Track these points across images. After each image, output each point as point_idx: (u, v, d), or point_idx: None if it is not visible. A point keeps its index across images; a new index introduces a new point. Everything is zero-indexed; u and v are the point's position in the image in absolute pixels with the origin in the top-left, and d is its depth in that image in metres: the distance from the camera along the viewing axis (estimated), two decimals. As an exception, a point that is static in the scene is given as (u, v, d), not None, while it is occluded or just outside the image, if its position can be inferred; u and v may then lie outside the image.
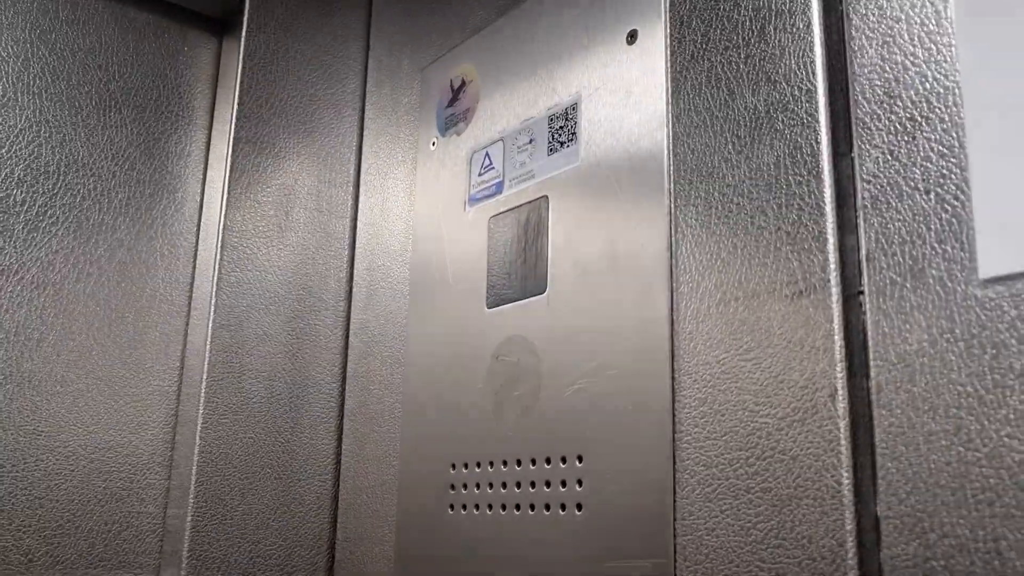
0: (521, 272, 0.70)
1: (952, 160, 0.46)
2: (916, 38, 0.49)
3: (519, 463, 0.67)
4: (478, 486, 0.70)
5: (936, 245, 0.46)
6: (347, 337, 0.91)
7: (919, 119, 0.48)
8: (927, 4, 0.49)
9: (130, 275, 0.86)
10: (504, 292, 0.71)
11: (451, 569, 0.71)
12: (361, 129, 0.96)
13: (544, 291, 0.68)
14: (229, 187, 0.87)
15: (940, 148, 0.47)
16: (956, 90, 0.47)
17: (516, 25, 0.76)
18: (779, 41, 0.55)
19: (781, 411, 0.51)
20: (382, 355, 0.85)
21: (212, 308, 0.84)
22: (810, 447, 0.49)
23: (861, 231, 0.50)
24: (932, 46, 0.48)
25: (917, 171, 0.48)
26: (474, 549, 0.69)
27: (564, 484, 0.63)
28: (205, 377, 0.83)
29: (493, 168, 0.75)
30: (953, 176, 0.46)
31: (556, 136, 0.70)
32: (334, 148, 0.94)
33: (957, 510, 0.43)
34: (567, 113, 0.69)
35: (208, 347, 0.83)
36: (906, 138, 0.48)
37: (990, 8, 0.46)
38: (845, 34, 0.53)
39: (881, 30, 0.51)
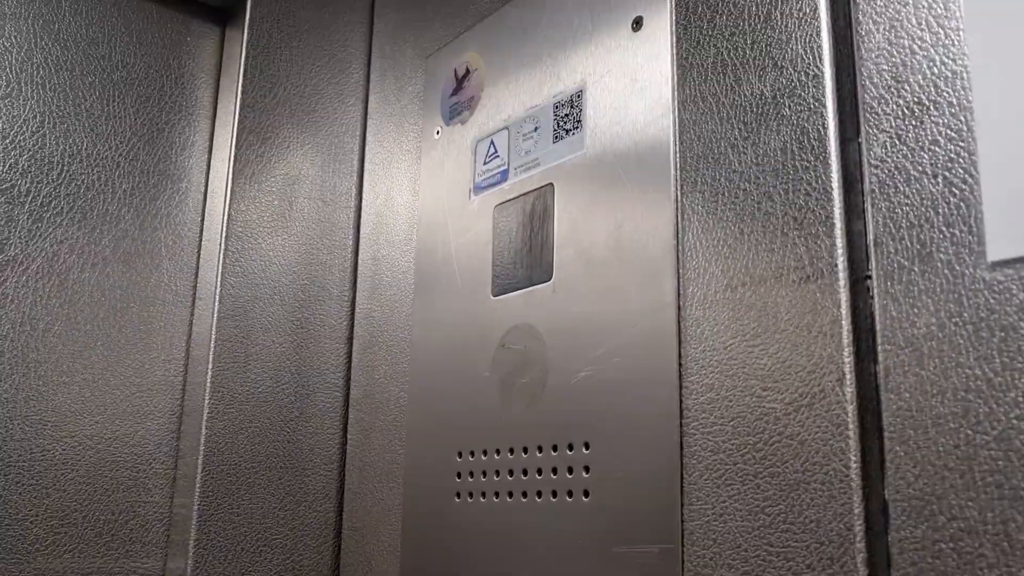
0: (527, 260, 0.70)
1: (960, 144, 0.46)
2: (923, 22, 0.49)
3: (526, 450, 0.67)
4: (484, 474, 0.70)
5: (944, 229, 0.46)
6: (352, 327, 0.91)
7: (927, 103, 0.48)
8: (935, -12, 0.49)
9: (135, 265, 0.86)
10: (510, 280, 0.71)
11: (458, 557, 0.71)
12: (365, 118, 0.96)
13: (550, 279, 0.68)
14: (233, 177, 0.87)
15: (948, 132, 0.47)
16: (964, 74, 0.47)
17: (520, 13, 0.76)
18: (785, 26, 0.55)
19: (789, 396, 0.51)
20: (387, 344, 0.86)
21: (217, 298, 0.84)
22: (818, 432, 0.49)
23: (869, 216, 0.50)
24: (940, 30, 0.48)
25: (925, 155, 0.48)
26: (481, 537, 0.69)
27: (571, 471, 0.63)
28: (211, 367, 0.83)
29: (498, 156, 0.75)
30: (961, 160, 0.46)
31: (561, 124, 0.70)
32: (338, 138, 0.94)
33: (965, 493, 0.43)
34: (572, 100, 0.69)
35: (213, 337, 0.83)
36: (914, 122, 0.48)
37: (998, -9, 0.46)
38: (852, 18, 0.53)
39: (888, 14, 0.51)
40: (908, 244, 0.47)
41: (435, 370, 0.77)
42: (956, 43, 0.47)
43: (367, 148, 0.95)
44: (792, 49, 0.55)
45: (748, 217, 0.56)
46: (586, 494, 0.62)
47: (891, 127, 0.49)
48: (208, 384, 0.83)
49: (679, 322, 0.58)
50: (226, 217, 0.86)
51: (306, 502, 0.86)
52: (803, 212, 0.53)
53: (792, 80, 0.54)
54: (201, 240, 0.91)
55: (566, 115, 0.70)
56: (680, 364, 0.58)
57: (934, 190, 0.47)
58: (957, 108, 0.47)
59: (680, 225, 0.60)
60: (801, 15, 0.55)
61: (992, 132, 0.45)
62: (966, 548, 0.43)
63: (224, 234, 0.86)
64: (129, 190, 0.87)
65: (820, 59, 0.53)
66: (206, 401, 0.82)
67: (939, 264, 0.46)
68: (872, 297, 0.49)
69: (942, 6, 0.48)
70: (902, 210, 0.48)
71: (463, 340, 0.75)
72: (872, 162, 0.50)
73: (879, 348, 0.48)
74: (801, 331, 0.51)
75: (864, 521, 0.47)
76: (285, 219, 0.90)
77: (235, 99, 0.89)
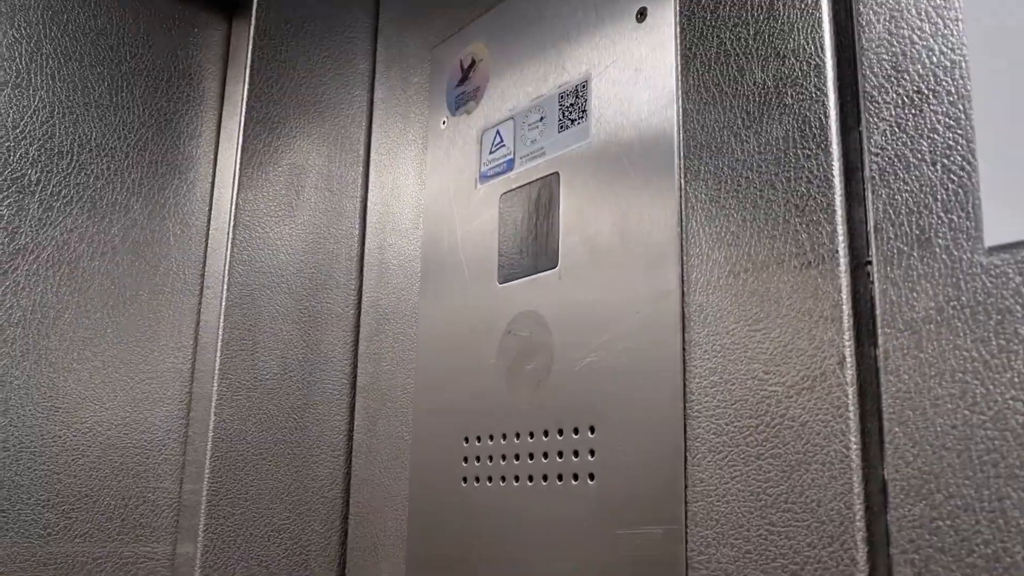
0: (532, 248, 0.71)
1: (959, 132, 0.47)
2: (923, 12, 0.50)
3: (531, 435, 0.68)
4: (491, 458, 0.71)
5: (943, 215, 0.47)
6: (359, 315, 0.92)
7: (926, 92, 0.49)
8: (934, -21, 0.50)
9: (144, 254, 0.88)
10: (515, 268, 0.72)
11: (465, 540, 0.72)
12: (371, 109, 0.97)
13: (555, 266, 0.69)
14: (241, 167, 0.88)
15: (947, 120, 0.48)
16: (963, 63, 0.48)
17: (526, 4, 0.77)
18: (788, 17, 0.56)
19: (790, 379, 0.52)
20: (394, 332, 0.87)
21: (225, 286, 0.85)
22: (819, 414, 0.51)
23: (869, 202, 0.51)
24: (939, 20, 0.49)
25: (924, 143, 0.49)
26: (487, 520, 0.70)
27: (576, 454, 0.64)
28: (219, 354, 0.84)
29: (504, 146, 0.76)
30: (959, 147, 0.47)
31: (567, 113, 0.71)
32: (344, 128, 0.95)
33: (963, 471, 0.44)
34: (577, 91, 0.70)
35: (222, 324, 0.84)
36: (913, 111, 0.49)
37: (996, -18, 0.47)
38: (853, 9, 0.54)
39: (888, 5, 0.52)
40: (907, 230, 0.49)
41: (441, 357, 0.79)
42: (955, 33, 0.48)
43: (373, 138, 0.96)
44: (794, 39, 0.56)
45: (750, 205, 0.57)
46: (591, 477, 0.63)
47: (891, 115, 0.50)
48: (216, 371, 0.84)
49: (683, 308, 0.60)
50: (234, 206, 0.87)
51: (313, 488, 0.87)
52: (804, 199, 0.54)
53: (794, 70, 0.55)
54: (209, 229, 0.92)
55: (571, 105, 0.71)
56: (684, 349, 0.59)
57: (933, 177, 0.48)
58: (956, 97, 0.48)
59: (684, 213, 0.61)
60: (803, 6, 0.56)
61: (990, 120, 0.46)
62: (963, 525, 0.44)
63: (232, 223, 0.87)
64: (138, 180, 0.88)
65: (822, 49, 0.54)
66: (215, 388, 0.84)
67: (938, 249, 0.47)
68: (872, 282, 0.50)
69: (941, -3, 0.49)
70: (902, 196, 0.49)
71: (469, 327, 0.76)
72: (872, 150, 0.51)
73: (879, 331, 0.49)
74: (802, 315, 0.52)
75: (864, 500, 0.48)
76: (292, 208, 0.91)
77: (242, 90, 0.90)
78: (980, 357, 0.45)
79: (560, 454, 0.65)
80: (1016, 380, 0.43)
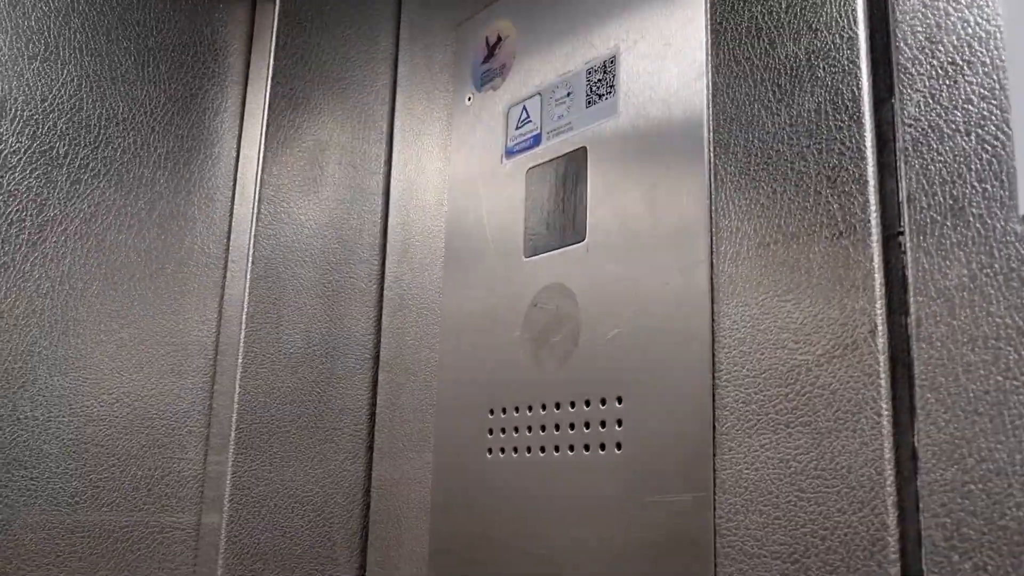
0: (560, 222, 0.72)
1: (993, 102, 0.48)
2: (959, -16, 0.50)
3: (558, 406, 0.69)
4: (516, 430, 0.72)
5: (976, 184, 0.48)
6: (381, 290, 0.93)
7: (960, 63, 0.50)
8: (970, -49, 0.50)
9: (169, 228, 0.88)
10: (542, 241, 0.73)
11: (490, 510, 0.73)
12: (394, 86, 0.98)
13: (583, 239, 0.69)
14: (266, 142, 0.89)
15: (981, 91, 0.48)
16: (997, 34, 0.48)
17: (552, -19, 0.78)
18: (821, -10, 0.57)
19: (821, 348, 0.53)
20: (417, 307, 0.87)
21: (250, 260, 0.86)
22: (850, 381, 0.51)
23: (902, 173, 0.51)
24: (975, -8, 0.50)
25: (958, 113, 0.49)
26: (513, 490, 0.71)
27: (604, 425, 0.65)
28: (243, 327, 0.85)
29: (531, 121, 0.77)
30: (994, 117, 0.48)
31: (594, 89, 0.71)
32: (367, 105, 0.96)
33: (995, 436, 0.45)
34: (605, 66, 0.71)
35: (246, 298, 0.85)
36: (947, 82, 0.50)
37: (1033, -46, 0.47)
38: (887, -18, 0.54)
39: (923, -23, 0.52)
40: (941, 199, 0.49)
41: (467, 331, 0.79)
42: (990, 4, 0.49)
43: (396, 115, 0.96)
44: (827, 12, 0.56)
45: (781, 177, 0.57)
46: (619, 447, 0.64)
47: (925, 87, 0.51)
48: (241, 344, 0.85)
49: (712, 279, 0.60)
50: (258, 181, 0.88)
51: (336, 461, 0.88)
52: (836, 171, 0.54)
53: (827, 42, 0.56)
54: (233, 204, 0.92)
55: (599, 80, 0.71)
56: (713, 319, 0.60)
57: (967, 147, 0.48)
58: (990, 67, 0.48)
59: (713, 186, 0.61)
60: (836, -21, 0.56)
61: (1025, 90, 0.47)
62: (995, 489, 0.45)
63: (256, 198, 0.87)
64: (163, 154, 0.89)
65: (855, 21, 0.55)
66: (239, 361, 0.84)
67: (971, 218, 0.48)
68: (904, 252, 0.50)
69: (977, -31, 0.50)
70: (935, 167, 0.50)
71: (495, 301, 0.77)
72: (906, 121, 0.51)
73: (911, 300, 0.50)
74: (834, 285, 0.53)
75: (894, 466, 0.49)
76: (316, 184, 0.91)
77: (267, 66, 0.91)
78: (1013, 323, 0.45)
79: (587, 425, 0.66)
80: (1050, 346, 0.44)
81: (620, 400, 0.64)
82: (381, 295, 0.93)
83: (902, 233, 0.51)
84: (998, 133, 0.47)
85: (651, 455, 0.61)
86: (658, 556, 0.59)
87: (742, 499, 0.55)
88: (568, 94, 0.74)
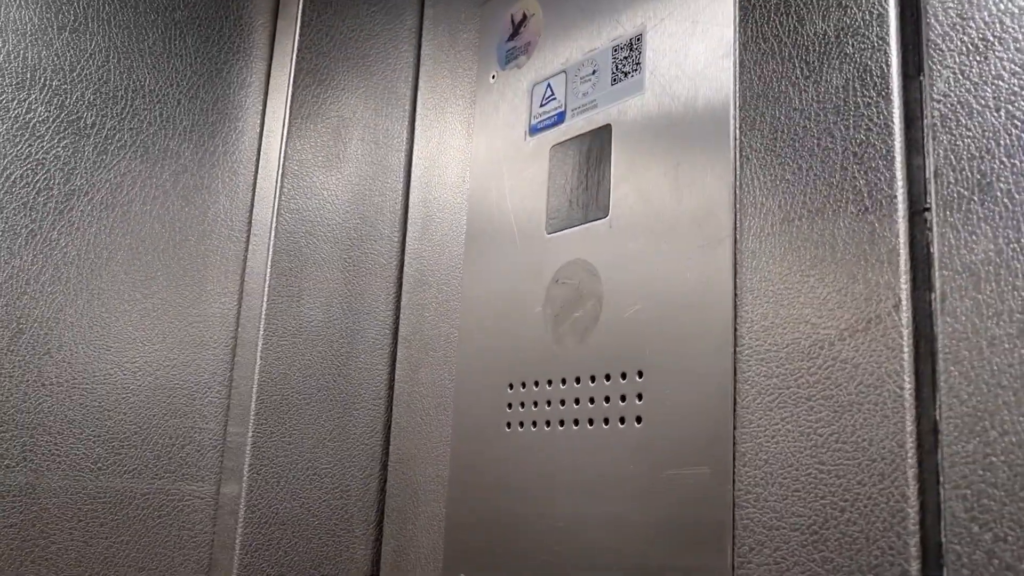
0: (583, 198, 0.72)
1: (1023, 78, 0.48)
2: (991, -39, 0.51)
3: (578, 380, 0.69)
4: (536, 404, 0.72)
5: (1005, 159, 0.48)
6: (401, 266, 0.94)
7: (991, 39, 0.50)
8: (1003, -72, 0.50)
9: (193, 200, 0.89)
10: (565, 218, 0.74)
11: (508, 484, 0.74)
12: (418, 64, 0.98)
13: (606, 216, 0.70)
14: (290, 118, 0.89)
15: (1012, 67, 0.49)
16: (1029, 11, 0.48)
17: (580, -41, 0.78)
18: (851, -33, 0.57)
19: (844, 323, 0.53)
20: (437, 283, 0.88)
21: (272, 234, 0.87)
22: (872, 355, 0.52)
23: (929, 149, 0.51)
24: (1007, -32, 0.50)
25: (988, 89, 0.49)
26: (532, 464, 0.72)
27: (623, 399, 0.65)
28: (265, 300, 0.85)
29: (555, 99, 0.77)
30: (1024, 94, 0.48)
31: (620, 67, 0.72)
32: (391, 83, 0.96)
33: (1018, 409, 0.45)
34: (632, 44, 0.71)
35: (268, 271, 0.86)
36: (978, 58, 0.50)
37: (1067, -70, 0.48)
38: (918, -41, 0.54)
39: (955, -46, 0.52)
40: (968, 175, 0.49)
41: (487, 306, 0.80)
42: (1023, -19, 0.49)
43: (420, 93, 0.97)
44: (857, -11, 0.56)
45: (807, 153, 0.57)
46: (638, 420, 0.64)
47: (955, 63, 0.51)
48: (263, 316, 0.85)
49: (735, 254, 0.60)
50: (282, 156, 0.88)
51: (354, 434, 0.89)
52: (863, 147, 0.54)
53: (856, 19, 0.56)
54: (256, 177, 0.93)
55: (625, 58, 0.71)
56: (735, 294, 0.60)
57: (996, 123, 0.49)
58: (1022, 43, 0.48)
59: (738, 161, 0.62)
60: (867, -44, 0.56)
61: (1056, 66, 0.47)
62: (1017, 461, 0.45)
63: (279, 172, 0.88)
64: (188, 127, 0.90)
65: (885, -1, 0.55)
66: (260, 333, 0.85)
67: (999, 193, 0.48)
68: (930, 228, 0.51)
69: (1010, -54, 0.50)
70: (963, 142, 0.50)
71: (516, 277, 0.77)
72: (935, 97, 0.52)
73: (935, 274, 0.50)
74: (858, 260, 0.53)
75: (916, 439, 0.49)
76: (339, 159, 0.92)
77: (292, 41, 0.91)
78: (1039, 298, 0.45)
79: (607, 399, 0.67)
80: (1075, 319, 0.44)
81: (640, 374, 0.65)
82: (401, 271, 0.94)
83: (928, 209, 0.51)
84: (1027, 109, 0.47)
85: (671, 428, 0.62)
86: (677, 529, 0.60)
87: (762, 472, 0.56)
88: (593, 72, 0.74)
